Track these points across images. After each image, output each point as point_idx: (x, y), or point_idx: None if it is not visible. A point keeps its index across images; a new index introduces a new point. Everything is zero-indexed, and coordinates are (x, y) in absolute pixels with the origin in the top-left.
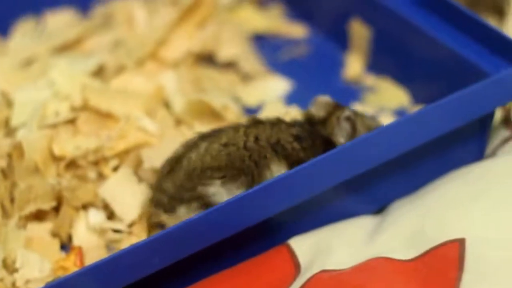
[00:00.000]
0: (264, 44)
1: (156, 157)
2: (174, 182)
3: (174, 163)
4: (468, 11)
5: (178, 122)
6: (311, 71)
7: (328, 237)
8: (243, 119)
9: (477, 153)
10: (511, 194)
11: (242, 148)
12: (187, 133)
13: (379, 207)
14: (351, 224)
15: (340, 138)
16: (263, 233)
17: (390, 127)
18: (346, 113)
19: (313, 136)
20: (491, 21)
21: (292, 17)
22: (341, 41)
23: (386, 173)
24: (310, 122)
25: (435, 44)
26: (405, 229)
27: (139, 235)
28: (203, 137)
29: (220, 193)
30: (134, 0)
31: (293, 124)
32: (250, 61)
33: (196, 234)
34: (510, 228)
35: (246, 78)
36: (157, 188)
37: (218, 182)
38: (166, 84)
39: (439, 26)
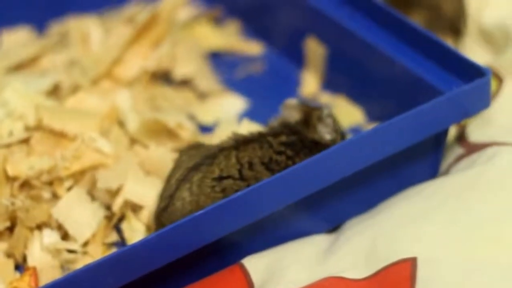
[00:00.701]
0: (221, 61)
1: (110, 178)
2: (171, 220)
3: (168, 199)
4: (422, 29)
5: (133, 141)
6: (267, 89)
7: (282, 257)
8: (199, 138)
9: (432, 171)
10: (461, 213)
11: (238, 180)
12: (142, 153)
13: (333, 225)
14: (305, 243)
15: (327, 135)
16: (217, 253)
17: (345, 145)
18: (326, 110)
19: (301, 138)
20: (448, 41)
21: (248, 35)
22: (297, 58)
23: (340, 191)
24: (289, 126)
25: (390, 63)
26: (359, 248)
27: (94, 255)
28: (193, 168)
29: None
30: (90, 18)
31: (278, 132)
32: (206, 79)
33: (150, 254)
34: (460, 248)
35: (202, 96)
36: (156, 219)
37: None
38: (121, 103)
39: (394, 44)
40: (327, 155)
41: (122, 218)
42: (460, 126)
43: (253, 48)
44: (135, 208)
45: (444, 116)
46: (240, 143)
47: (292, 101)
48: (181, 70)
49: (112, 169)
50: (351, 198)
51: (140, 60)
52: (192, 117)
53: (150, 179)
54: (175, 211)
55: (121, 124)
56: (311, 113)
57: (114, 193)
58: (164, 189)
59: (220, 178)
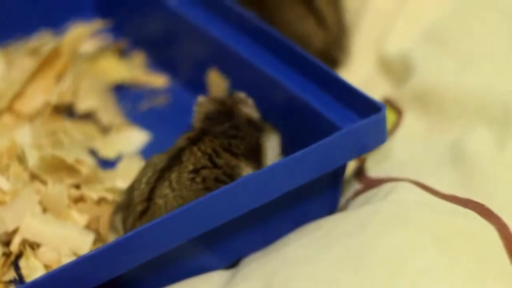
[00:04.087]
0: (125, 94)
1: (8, 216)
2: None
3: (146, 202)
4: (321, 64)
5: (33, 177)
6: (171, 121)
7: None
8: (99, 173)
9: (330, 206)
10: (354, 252)
11: (212, 168)
12: (41, 189)
13: (231, 262)
14: (203, 280)
15: (253, 114)
16: None
17: (242, 181)
18: (243, 94)
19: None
20: None
21: (153, 67)
22: (201, 91)
23: (238, 227)
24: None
25: (289, 96)
26: (254, 286)
27: None
28: (165, 168)
29: None
30: None
31: (217, 121)
32: (109, 112)
33: None
34: None
35: (105, 130)
36: (132, 227)
37: None
38: (21, 139)
39: (294, 78)
40: (227, 191)
41: (20, 255)
42: (359, 160)
43: (158, 80)
44: (33, 245)
45: (340, 152)
46: (194, 140)
47: (203, 98)
48: (83, 104)
49: (9, 207)
50: (249, 234)
51: (42, 94)
52: (93, 152)
53: (48, 216)
54: (157, 210)
55: (20, 160)
56: (228, 100)
57: (12, 232)
58: (131, 197)
59: (196, 170)
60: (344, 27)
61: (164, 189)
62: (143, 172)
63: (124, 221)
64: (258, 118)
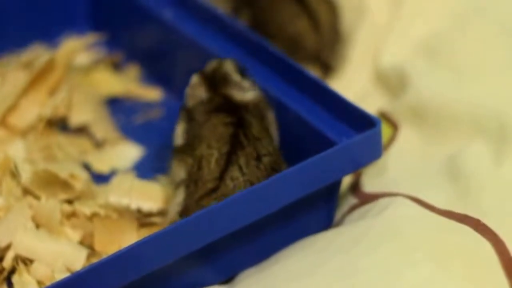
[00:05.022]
0: (119, 107)
1: (1, 231)
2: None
3: (217, 180)
4: (314, 77)
5: (25, 192)
6: (165, 135)
7: None
8: (93, 187)
9: (326, 220)
10: (348, 268)
11: (269, 155)
12: (34, 204)
13: (226, 277)
14: None
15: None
16: None
17: (238, 196)
18: (228, 63)
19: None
20: (314, 72)
21: (147, 80)
22: None
23: (233, 242)
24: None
25: (283, 110)
26: None
27: None
28: (231, 152)
29: None
30: None
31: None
32: (103, 126)
33: None
34: None
35: (98, 144)
36: (195, 203)
37: None
38: (14, 153)
39: (287, 91)
40: (222, 206)
41: (13, 270)
42: (355, 174)
43: (152, 93)
44: (26, 261)
45: (336, 167)
46: (237, 124)
47: (197, 77)
48: (77, 117)
49: (2, 222)
50: (244, 249)
51: (36, 108)
52: (87, 166)
53: (41, 232)
54: (227, 192)
55: (13, 174)
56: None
57: (4, 248)
58: (199, 173)
59: (259, 157)
60: (338, 32)
61: (235, 172)
62: (207, 152)
63: (190, 194)
64: (257, 98)
